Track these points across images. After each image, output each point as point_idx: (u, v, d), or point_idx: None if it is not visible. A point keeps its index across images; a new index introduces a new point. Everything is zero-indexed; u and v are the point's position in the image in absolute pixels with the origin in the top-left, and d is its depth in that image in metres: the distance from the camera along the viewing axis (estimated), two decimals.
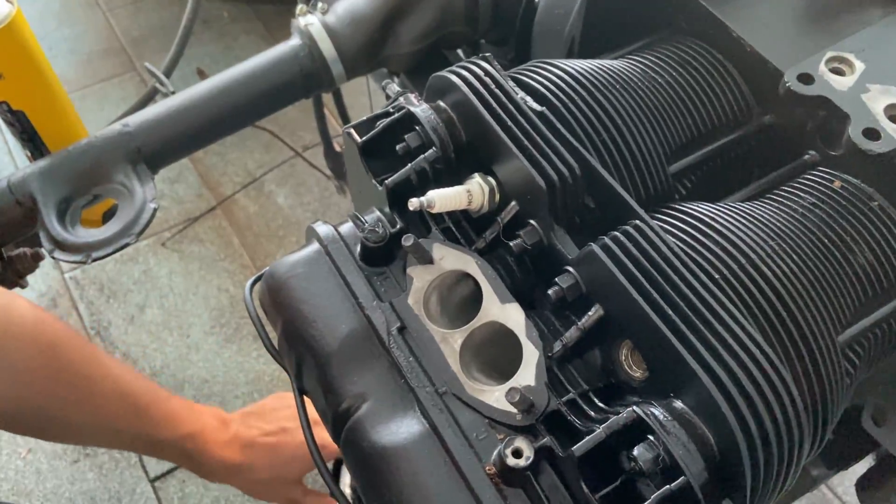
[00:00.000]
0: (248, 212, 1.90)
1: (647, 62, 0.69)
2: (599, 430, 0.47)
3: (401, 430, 0.52)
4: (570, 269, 0.53)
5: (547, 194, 0.54)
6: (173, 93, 0.96)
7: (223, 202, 1.91)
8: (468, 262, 0.56)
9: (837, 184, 0.62)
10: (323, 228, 0.61)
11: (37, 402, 0.93)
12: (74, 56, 2.21)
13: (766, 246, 0.56)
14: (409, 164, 0.59)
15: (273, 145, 1.99)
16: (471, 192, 0.57)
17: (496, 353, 0.55)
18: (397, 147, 0.60)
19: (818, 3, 0.71)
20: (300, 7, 0.94)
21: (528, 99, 0.60)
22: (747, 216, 0.59)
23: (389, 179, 0.59)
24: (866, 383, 0.66)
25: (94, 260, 0.79)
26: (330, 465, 1.04)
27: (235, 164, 1.98)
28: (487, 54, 0.62)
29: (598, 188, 0.56)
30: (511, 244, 0.56)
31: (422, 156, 0.59)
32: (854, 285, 0.59)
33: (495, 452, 0.49)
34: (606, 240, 0.52)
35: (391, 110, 0.62)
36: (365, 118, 0.63)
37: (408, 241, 0.55)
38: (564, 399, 0.51)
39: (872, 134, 0.59)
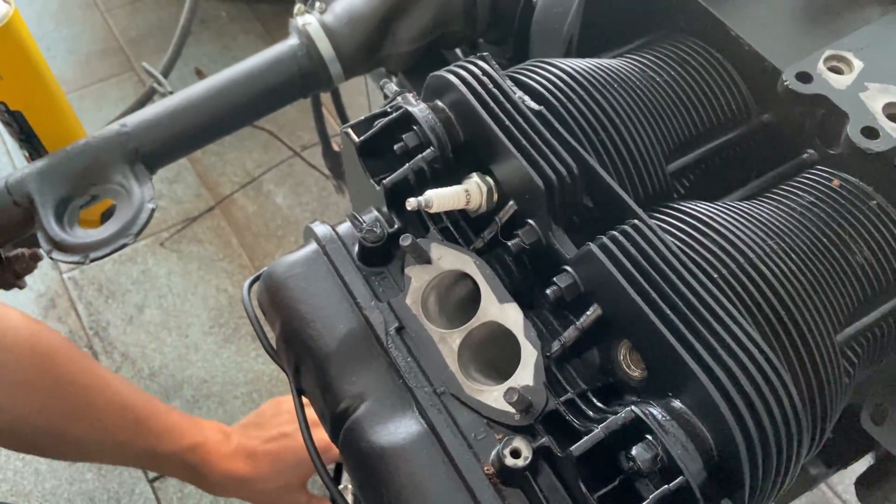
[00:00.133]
0: (247, 212, 1.89)
1: (645, 61, 0.69)
2: (598, 430, 0.47)
3: (399, 430, 0.52)
4: (569, 268, 0.53)
5: (545, 194, 0.53)
6: (171, 93, 0.96)
7: (222, 202, 1.91)
8: (466, 262, 0.56)
9: (836, 182, 0.62)
10: (321, 228, 0.61)
11: (34, 414, 0.92)
12: (72, 56, 2.21)
13: (765, 245, 0.56)
14: (407, 164, 0.59)
15: (271, 145, 1.99)
16: (469, 192, 0.57)
17: (494, 353, 0.55)
18: (395, 147, 0.60)
19: (817, 2, 0.70)
20: (298, 7, 0.94)
21: (527, 98, 0.60)
22: (746, 215, 0.59)
23: (387, 179, 0.59)
24: (865, 382, 0.66)
25: (93, 260, 0.79)
26: (332, 469, 1.04)
27: (234, 164, 1.97)
28: (485, 54, 0.62)
29: (596, 187, 0.56)
30: (509, 244, 0.56)
31: (420, 155, 0.59)
32: (853, 284, 0.59)
33: (494, 452, 0.49)
34: (605, 239, 0.52)
35: (389, 110, 0.62)
36: (363, 118, 0.63)
37: (406, 240, 0.55)
38: (563, 399, 0.51)
39: (871, 132, 0.59)
